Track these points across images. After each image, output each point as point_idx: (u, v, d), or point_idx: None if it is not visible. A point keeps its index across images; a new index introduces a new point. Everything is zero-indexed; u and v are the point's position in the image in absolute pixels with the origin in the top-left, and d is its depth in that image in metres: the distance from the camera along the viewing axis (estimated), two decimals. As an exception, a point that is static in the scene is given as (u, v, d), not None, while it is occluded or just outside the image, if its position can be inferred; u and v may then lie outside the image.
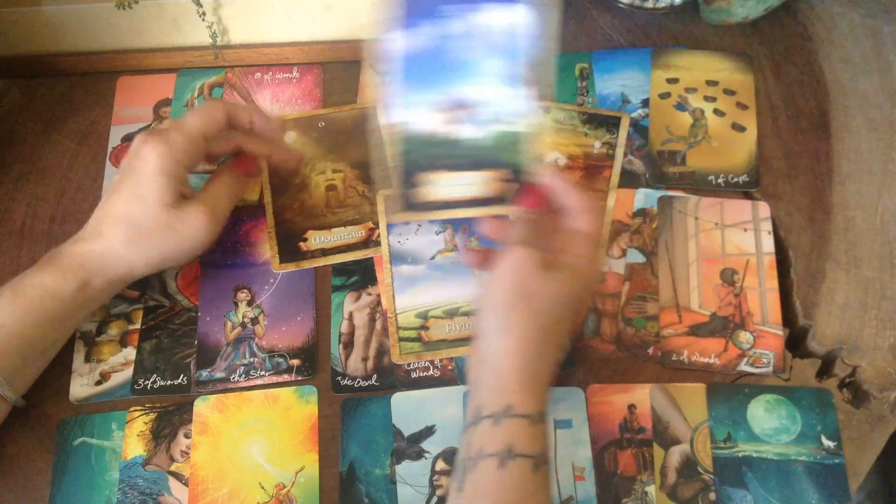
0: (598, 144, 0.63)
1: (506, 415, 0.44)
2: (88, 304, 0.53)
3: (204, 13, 0.65)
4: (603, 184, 0.62)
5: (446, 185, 0.51)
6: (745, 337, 0.56)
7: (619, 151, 0.63)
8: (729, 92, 0.66)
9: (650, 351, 0.56)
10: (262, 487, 0.52)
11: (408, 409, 0.54)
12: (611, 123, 0.64)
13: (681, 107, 0.65)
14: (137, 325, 0.58)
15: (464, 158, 0.50)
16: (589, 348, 0.56)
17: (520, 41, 0.47)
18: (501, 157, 0.50)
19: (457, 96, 0.49)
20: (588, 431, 0.53)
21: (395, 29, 0.47)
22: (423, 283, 0.59)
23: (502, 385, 0.45)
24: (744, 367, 0.55)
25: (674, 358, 0.56)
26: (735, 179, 0.62)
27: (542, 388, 0.46)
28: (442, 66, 0.48)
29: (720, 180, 0.62)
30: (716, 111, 0.65)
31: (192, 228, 0.52)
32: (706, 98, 0.65)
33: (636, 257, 0.59)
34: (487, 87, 0.48)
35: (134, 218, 0.51)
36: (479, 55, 0.48)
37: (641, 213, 0.61)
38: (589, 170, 0.63)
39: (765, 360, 0.55)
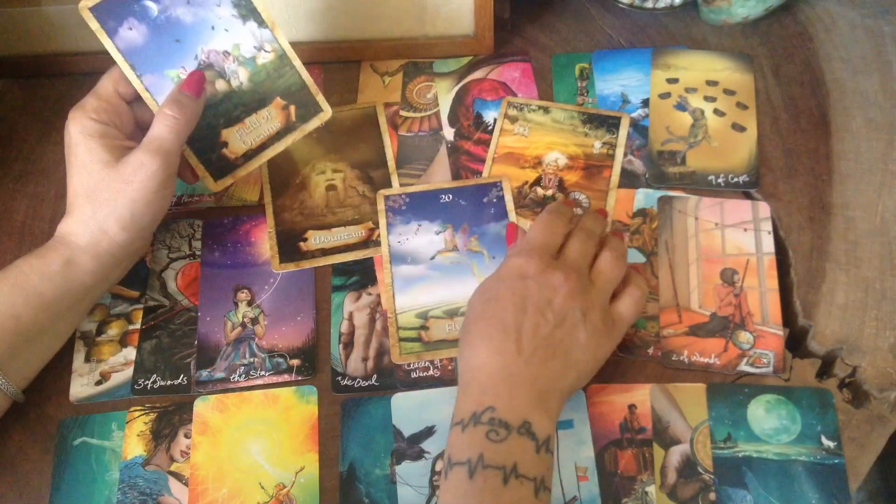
0: (598, 144, 0.63)
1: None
2: (79, 285, 0.52)
3: (204, 13, 0.65)
4: (603, 184, 0.62)
5: (241, 136, 0.56)
6: (745, 337, 0.56)
7: (619, 152, 0.63)
8: (729, 92, 0.66)
9: (650, 351, 0.56)
10: (262, 487, 0.52)
11: (408, 409, 0.54)
12: (611, 123, 0.64)
13: (681, 107, 0.65)
14: (137, 325, 0.58)
15: (242, 106, 0.55)
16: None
17: None
18: (271, 88, 0.55)
19: (203, 57, 0.54)
20: (590, 431, 0.53)
21: (114, 32, 0.52)
22: (423, 283, 0.59)
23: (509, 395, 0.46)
24: (744, 367, 0.55)
25: (674, 358, 0.56)
26: (735, 179, 0.62)
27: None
28: (173, 40, 0.53)
29: (720, 180, 0.62)
30: (716, 111, 0.65)
31: (143, 173, 0.51)
32: (706, 98, 0.65)
33: (636, 257, 0.59)
34: (220, 37, 0.54)
35: (86, 186, 0.52)
36: (195, 15, 0.53)
37: (641, 213, 0.61)
38: (589, 170, 0.63)
39: (765, 361, 0.55)
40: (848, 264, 0.58)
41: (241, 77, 0.55)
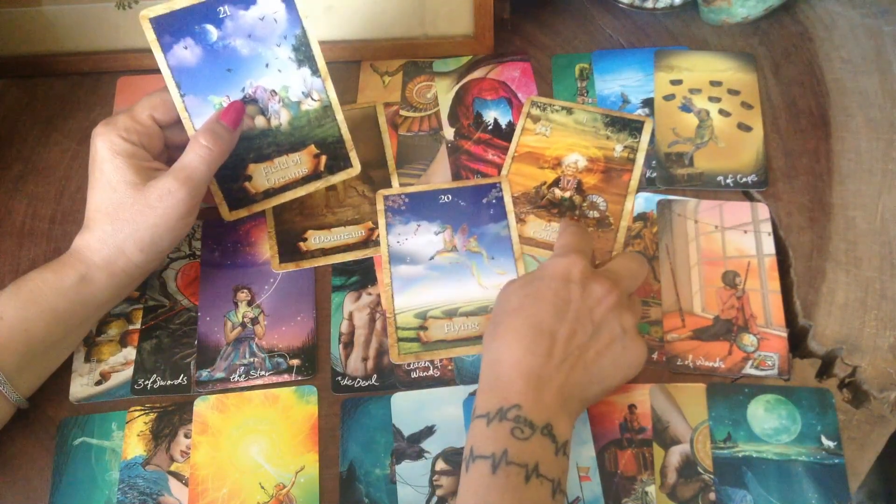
0: (619, 148, 0.63)
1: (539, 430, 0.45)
2: (93, 301, 0.53)
3: (204, 13, 0.65)
4: (622, 187, 0.62)
5: (266, 174, 0.56)
6: (749, 340, 0.56)
7: (641, 156, 0.63)
8: (733, 92, 0.66)
9: (655, 356, 0.56)
10: (262, 487, 0.52)
11: (408, 409, 0.54)
12: (633, 127, 0.64)
13: (686, 108, 0.65)
14: (137, 325, 0.58)
15: (275, 145, 0.55)
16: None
17: (281, 27, 0.52)
18: (308, 135, 0.55)
19: (249, 91, 0.54)
20: (590, 431, 0.53)
21: (169, 47, 0.52)
22: (421, 283, 0.59)
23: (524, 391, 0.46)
24: (749, 370, 0.55)
25: (679, 363, 0.55)
26: (744, 179, 0.62)
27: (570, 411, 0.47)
28: (225, 69, 0.53)
29: (729, 180, 0.62)
30: (721, 111, 0.65)
31: (169, 201, 0.51)
32: (711, 98, 0.65)
33: (637, 260, 0.59)
34: (272, 75, 0.54)
35: (109, 204, 0.51)
36: (252, 50, 0.53)
37: (642, 217, 0.61)
38: (608, 173, 0.62)
39: (769, 363, 0.55)
40: (848, 264, 0.58)
41: (281, 118, 0.55)
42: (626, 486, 0.52)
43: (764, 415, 0.53)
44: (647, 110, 0.65)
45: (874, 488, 0.95)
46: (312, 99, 0.54)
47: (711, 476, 0.52)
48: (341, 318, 0.58)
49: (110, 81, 0.69)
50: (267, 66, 0.53)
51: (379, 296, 0.59)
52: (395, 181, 0.63)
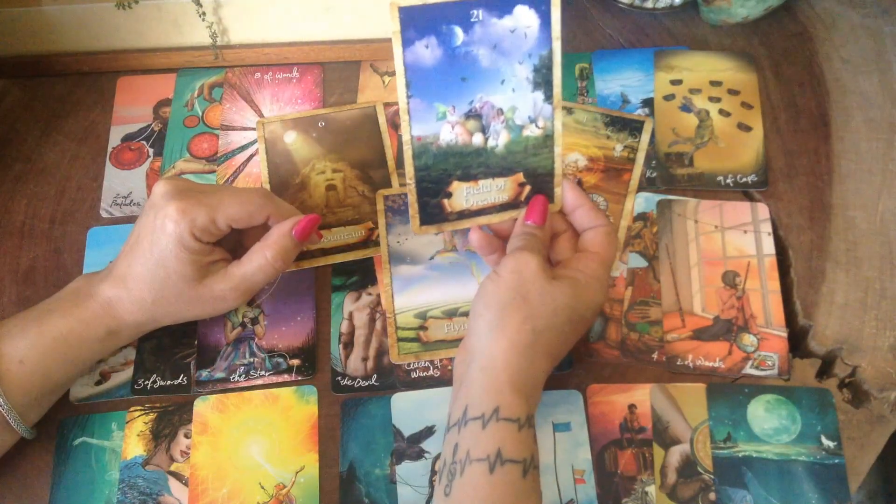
0: (619, 147, 0.63)
1: (493, 418, 0.44)
2: (115, 349, 0.55)
3: (204, 13, 0.65)
4: (622, 187, 0.62)
5: (467, 194, 0.52)
6: (749, 340, 0.56)
7: (641, 156, 0.63)
8: (733, 92, 0.66)
9: (655, 356, 0.56)
10: (262, 487, 0.52)
11: (408, 409, 0.54)
12: (634, 127, 0.64)
13: (686, 108, 0.65)
14: (137, 325, 0.58)
15: (484, 166, 0.51)
16: (594, 352, 0.56)
17: (529, 44, 0.48)
18: (521, 162, 0.51)
19: (477, 105, 0.50)
20: (587, 434, 0.53)
21: (410, 42, 0.47)
22: (421, 283, 0.59)
23: (491, 385, 0.45)
24: (749, 370, 0.55)
25: (679, 363, 0.55)
26: (744, 179, 0.62)
27: (530, 392, 0.46)
28: (459, 77, 0.48)
29: (729, 181, 0.62)
30: (721, 111, 0.65)
31: (220, 304, 0.53)
32: (711, 99, 0.65)
33: (638, 262, 0.59)
34: (504, 93, 0.49)
35: (158, 286, 0.51)
36: (493, 62, 0.48)
37: (642, 217, 0.61)
38: (608, 172, 0.62)
39: (769, 363, 0.55)
40: (848, 264, 0.58)
41: (499, 140, 0.51)
42: (625, 486, 0.52)
43: (764, 415, 0.53)
44: (647, 110, 0.65)
45: (874, 488, 0.95)
46: (537, 126, 0.50)
47: (711, 476, 0.52)
48: (341, 318, 0.58)
49: (110, 81, 0.69)
50: (503, 82, 0.49)
51: (379, 296, 0.59)
52: (395, 181, 0.63)
